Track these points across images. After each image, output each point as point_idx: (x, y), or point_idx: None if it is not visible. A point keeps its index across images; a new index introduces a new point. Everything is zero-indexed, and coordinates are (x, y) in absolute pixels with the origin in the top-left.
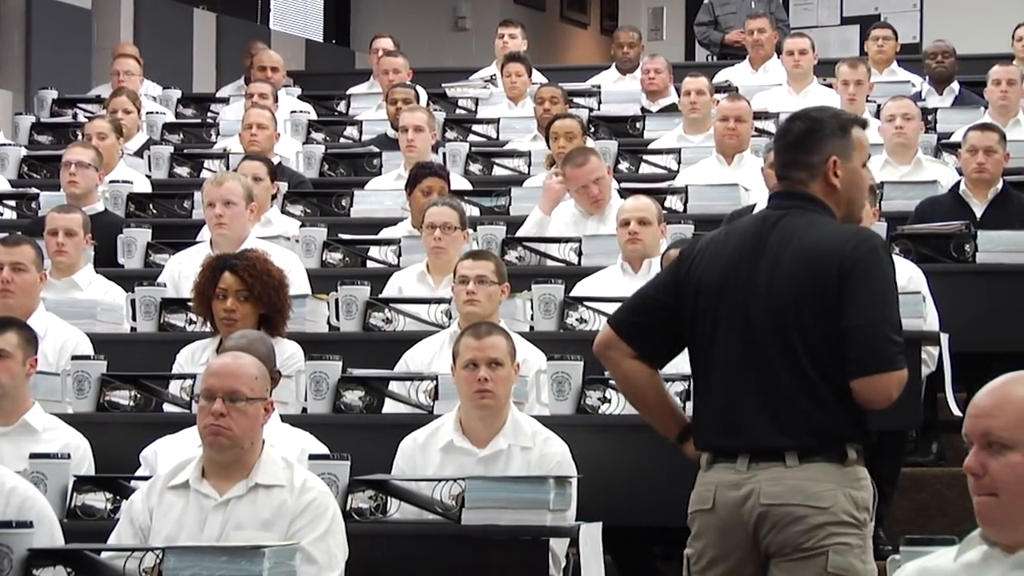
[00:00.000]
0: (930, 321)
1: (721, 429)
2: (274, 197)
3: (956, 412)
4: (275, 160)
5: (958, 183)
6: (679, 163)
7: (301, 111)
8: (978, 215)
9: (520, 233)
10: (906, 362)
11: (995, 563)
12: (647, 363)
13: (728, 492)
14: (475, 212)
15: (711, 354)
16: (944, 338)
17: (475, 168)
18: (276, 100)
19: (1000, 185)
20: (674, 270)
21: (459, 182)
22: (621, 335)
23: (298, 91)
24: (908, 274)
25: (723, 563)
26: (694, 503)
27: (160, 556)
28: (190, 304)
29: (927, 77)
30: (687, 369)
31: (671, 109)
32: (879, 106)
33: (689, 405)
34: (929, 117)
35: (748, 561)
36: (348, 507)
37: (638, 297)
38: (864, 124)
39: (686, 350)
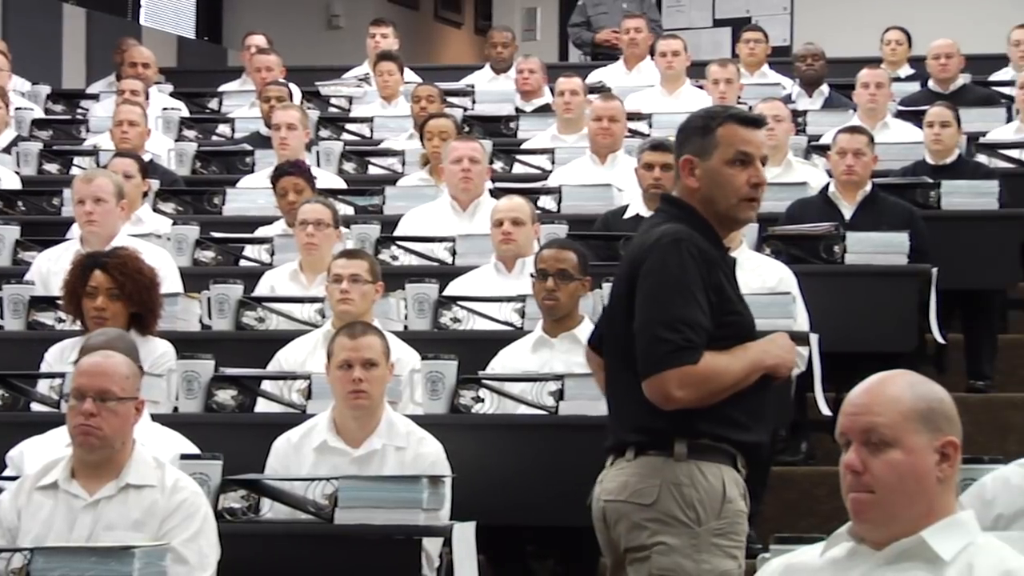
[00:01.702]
0: (800, 321)
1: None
2: (145, 195)
3: (826, 412)
4: (146, 157)
5: (828, 185)
6: (553, 163)
7: (173, 108)
8: (847, 217)
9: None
10: (696, 354)
11: (861, 559)
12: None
13: (594, 489)
14: (349, 211)
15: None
16: (814, 338)
17: (349, 167)
18: (147, 97)
19: (869, 187)
20: None
21: (333, 181)
22: None
23: (170, 88)
24: (779, 275)
25: (607, 558)
26: None
27: (28, 557)
28: (59, 302)
29: (797, 80)
30: (559, 369)
31: (545, 109)
32: (750, 108)
33: (565, 405)
34: (799, 119)
35: (618, 558)
36: (220, 507)
37: None
38: (747, 120)
39: None
